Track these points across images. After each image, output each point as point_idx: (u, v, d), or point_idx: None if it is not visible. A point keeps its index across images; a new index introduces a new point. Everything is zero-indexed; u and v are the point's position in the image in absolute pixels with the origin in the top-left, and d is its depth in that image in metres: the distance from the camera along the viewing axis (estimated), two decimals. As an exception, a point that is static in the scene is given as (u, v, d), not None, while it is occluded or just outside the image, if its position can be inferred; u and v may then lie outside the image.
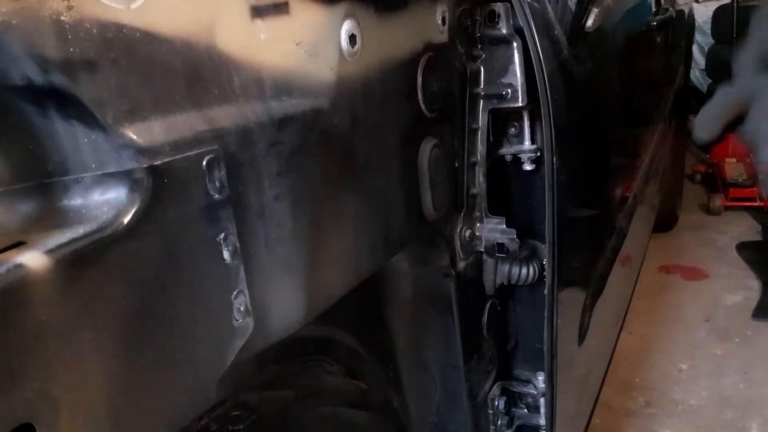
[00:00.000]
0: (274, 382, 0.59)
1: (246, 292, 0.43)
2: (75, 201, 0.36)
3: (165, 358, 0.38)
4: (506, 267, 0.84)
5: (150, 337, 0.37)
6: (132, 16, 0.35)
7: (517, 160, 0.85)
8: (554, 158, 0.81)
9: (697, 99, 3.92)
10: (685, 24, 2.57)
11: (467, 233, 0.80)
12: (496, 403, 0.90)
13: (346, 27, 0.52)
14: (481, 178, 0.79)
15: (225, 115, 0.41)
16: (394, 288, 0.80)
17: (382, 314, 0.81)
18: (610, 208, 1.28)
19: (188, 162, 0.38)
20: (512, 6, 0.76)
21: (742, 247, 2.94)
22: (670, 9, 2.06)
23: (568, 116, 0.86)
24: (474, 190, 0.80)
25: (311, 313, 0.52)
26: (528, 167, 0.84)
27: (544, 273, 0.86)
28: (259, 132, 0.44)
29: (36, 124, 0.34)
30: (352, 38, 0.53)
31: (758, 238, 3.07)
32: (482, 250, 0.82)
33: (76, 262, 0.33)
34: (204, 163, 0.39)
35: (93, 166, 0.35)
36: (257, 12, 0.44)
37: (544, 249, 0.86)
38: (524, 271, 0.84)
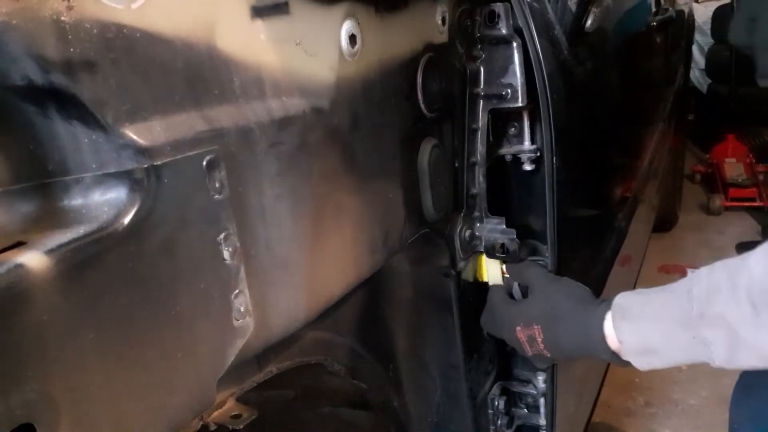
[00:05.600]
0: (275, 382, 0.58)
1: (246, 292, 0.43)
2: (75, 201, 0.36)
3: (165, 358, 0.38)
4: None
5: (150, 337, 0.37)
6: (132, 16, 0.35)
7: (517, 160, 0.85)
8: (554, 158, 0.81)
9: (697, 99, 3.93)
10: (684, 24, 2.57)
11: (467, 233, 0.79)
12: (496, 403, 0.90)
13: (346, 27, 0.52)
14: (481, 178, 0.79)
15: (225, 116, 0.41)
16: (394, 288, 0.80)
17: (382, 314, 0.81)
18: (610, 209, 1.28)
19: (188, 162, 0.38)
20: (512, 6, 0.76)
21: (742, 247, 2.93)
22: (670, 9, 2.06)
23: (568, 116, 0.86)
24: (474, 190, 0.80)
25: (311, 313, 0.52)
26: (528, 167, 0.84)
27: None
28: (259, 132, 0.44)
29: (36, 124, 0.34)
30: (352, 38, 0.53)
31: (758, 238, 3.07)
32: (482, 250, 0.82)
33: (76, 262, 0.33)
34: (204, 163, 0.39)
35: (93, 166, 0.35)
36: (257, 12, 0.44)
37: (545, 249, 0.86)
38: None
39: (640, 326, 0.66)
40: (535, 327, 0.74)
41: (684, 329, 0.62)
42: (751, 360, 0.60)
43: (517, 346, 0.78)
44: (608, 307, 0.69)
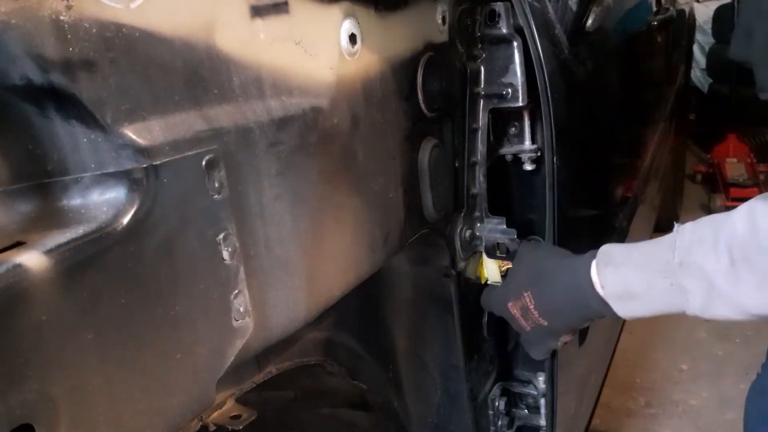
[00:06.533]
0: (274, 383, 0.58)
1: (245, 292, 0.43)
2: (74, 201, 0.36)
3: (164, 359, 0.38)
4: None
5: (149, 337, 0.37)
6: (131, 15, 0.35)
7: (517, 159, 0.85)
8: (554, 158, 0.81)
9: (698, 99, 3.92)
10: (685, 23, 2.57)
11: (467, 233, 0.79)
12: (497, 403, 0.90)
13: (346, 26, 0.52)
14: (482, 178, 0.79)
15: (225, 115, 0.41)
16: (394, 288, 0.80)
17: (382, 314, 0.81)
18: (610, 208, 1.28)
19: (188, 162, 0.38)
20: (512, 5, 0.75)
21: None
22: (671, 8, 2.06)
23: (569, 116, 0.86)
24: (474, 190, 0.79)
25: (311, 313, 0.52)
26: (528, 167, 0.84)
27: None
28: (258, 132, 0.44)
29: (35, 124, 0.34)
30: (352, 38, 0.53)
31: (759, 238, 3.05)
32: (483, 250, 0.82)
33: (75, 262, 0.33)
34: (203, 163, 0.39)
35: (92, 166, 0.35)
36: (257, 11, 0.44)
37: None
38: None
39: (622, 272, 0.67)
40: (525, 295, 0.74)
41: (664, 276, 0.64)
42: (724, 310, 0.61)
43: (514, 324, 0.78)
44: (593, 256, 0.70)
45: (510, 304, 0.76)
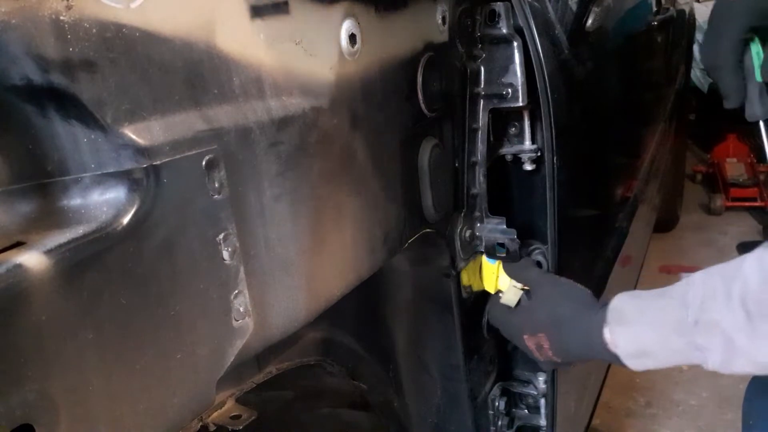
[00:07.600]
0: (274, 382, 0.59)
1: (246, 292, 0.43)
2: (74, 201, 0.36)
3: (164, 359, 0.38)
4: None
5: (149, 337, 0.37)
6: (131, 15, 0.35)
7: (517, 160, 0.85)
8: (555, 158, 0.81)
9: (698, 99, 3.92)
10: (685, 23, 2.57)
11: (467, 233, 0.79)
12: (497, 403, 0.90)
13: (346, 26, 0.52)
14: (482, 178, 0.79)
15: (224, 115, 0.41)
16: (394, 288, 0.80)
17: (382, 314, 0.81)
18: (610, 208, 1.28)
19: (188, 162, 0.38)
20: (512, 5, 0.75)
21: (743, 247, 2.93)
22: (671, 8, 2.06)
23: (569, 116, 0.86)
24: (474, 190, 0.79)
25: (311, 313, 0.52)
26: (528, 167, 0.84)
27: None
28: (258, 132, 0.44)
29: (35, 124, 0.34)
30: (352, 38, 0.53)
31: (759, 238, 3.06)
32: (482, 250, 0.82)
33: (75, 262, 0.33)
34: (203, 163, 0.39)
35: (92, 166, 0.35)
36: (257, 11, 0.44)
37: (545, 249, 0.86)
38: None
39: (635, 331, 0.67)
40: (540, 335, 0.75)
41: (679, 335, 0.63)
42: (745, 366, 0.60)
43: (528, 352, 0.80)
44: (605, 312, 0.70)
45: (526, 337, 0.77)
